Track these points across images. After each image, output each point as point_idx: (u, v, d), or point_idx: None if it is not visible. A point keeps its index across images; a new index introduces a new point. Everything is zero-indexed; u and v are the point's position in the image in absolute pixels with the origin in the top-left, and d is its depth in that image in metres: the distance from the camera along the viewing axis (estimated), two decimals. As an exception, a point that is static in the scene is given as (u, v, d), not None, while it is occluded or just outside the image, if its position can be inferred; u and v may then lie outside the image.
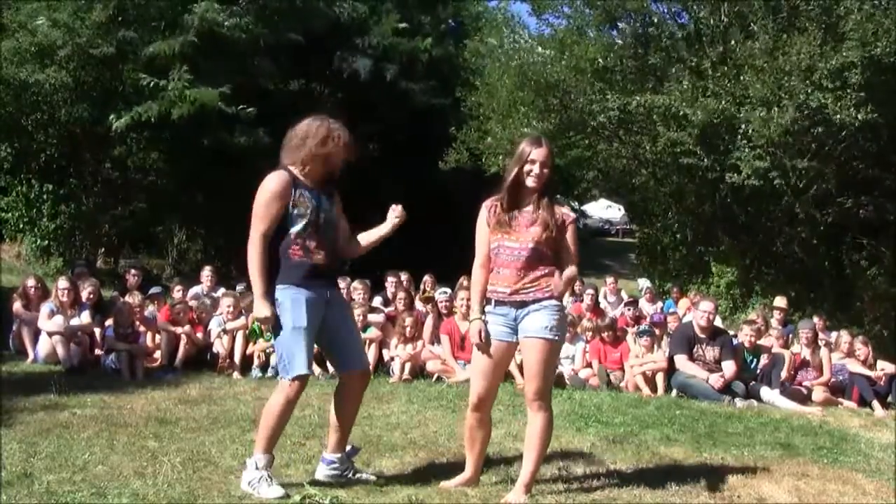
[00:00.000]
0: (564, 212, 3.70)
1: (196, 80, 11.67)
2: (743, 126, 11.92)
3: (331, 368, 7.08)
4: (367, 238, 3.88)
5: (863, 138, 12.57)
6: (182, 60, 11.75)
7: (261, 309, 3.54)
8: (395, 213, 3.83)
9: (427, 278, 9.40)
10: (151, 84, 11.71)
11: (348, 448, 3.86)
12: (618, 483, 3.93)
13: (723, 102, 11.93)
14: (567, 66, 13.43)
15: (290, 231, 3.58)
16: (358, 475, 3.84)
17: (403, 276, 9.23)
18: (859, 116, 11.05)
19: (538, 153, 3.61)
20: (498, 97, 14.81)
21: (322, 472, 3.80)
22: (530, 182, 3.62)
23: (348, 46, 15.73)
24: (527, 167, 3.63)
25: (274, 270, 3.57)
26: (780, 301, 9.88)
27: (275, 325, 3.57)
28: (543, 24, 15.32)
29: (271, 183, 3.58)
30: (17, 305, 7.52)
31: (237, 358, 7.15)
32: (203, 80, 11.77)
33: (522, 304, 3.60)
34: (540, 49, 14.13)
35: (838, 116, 11.13)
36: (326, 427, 3.93)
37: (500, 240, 3.65)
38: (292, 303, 3.54)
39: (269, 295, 3.55)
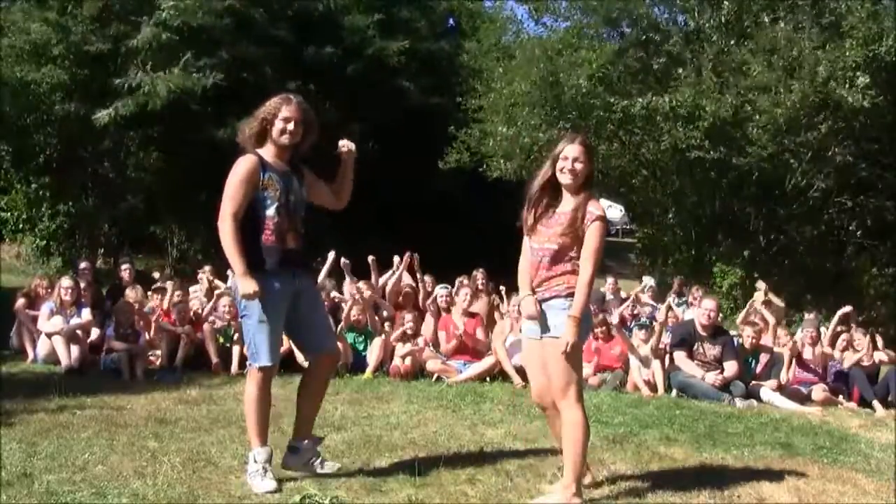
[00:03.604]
0: (591, 210, 3.59)
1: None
2: (755, 117, 12.01)
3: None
4: (338, 182, 3.91)
5: (865, 137, 12.62)
6: (160, 51, 11.83)
7: (246, 286, 3.50)
8: (344, 147, 3.83)
9: (427, 279, 9.37)
10: (134, 74, 11.80)
11: (313, 437, 3.86)
12: (618, 483, 3.93)
13: (729, 97, 11.98)
14: (568, 62, 13.41)
15: (263, 215, 3.59)
16: (323, 464, 3.82)
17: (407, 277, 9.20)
18: (866, 102, 11.12)
19: (570, 150, 3.61)
20: (499, 99, 14.72)
21: (288, 461, 3.81)
22: (564, 179, 3.62)
23: (319, 40, 15.63)
24: (559, 164, 3.62)
25: (246, 255, 3.52)
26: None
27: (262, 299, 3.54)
28: (542, 28, 15.33)
29: (240, 165, 3.60)
30: (19, 303, 7.53)
31: (234, 357, 7.11)
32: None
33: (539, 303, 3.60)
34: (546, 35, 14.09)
35: (850, 99, 11.20)
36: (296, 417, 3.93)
37: (528, 242, 3.69)
38: (261, 292, 3.53)
39: (250, 270, 3.51)
